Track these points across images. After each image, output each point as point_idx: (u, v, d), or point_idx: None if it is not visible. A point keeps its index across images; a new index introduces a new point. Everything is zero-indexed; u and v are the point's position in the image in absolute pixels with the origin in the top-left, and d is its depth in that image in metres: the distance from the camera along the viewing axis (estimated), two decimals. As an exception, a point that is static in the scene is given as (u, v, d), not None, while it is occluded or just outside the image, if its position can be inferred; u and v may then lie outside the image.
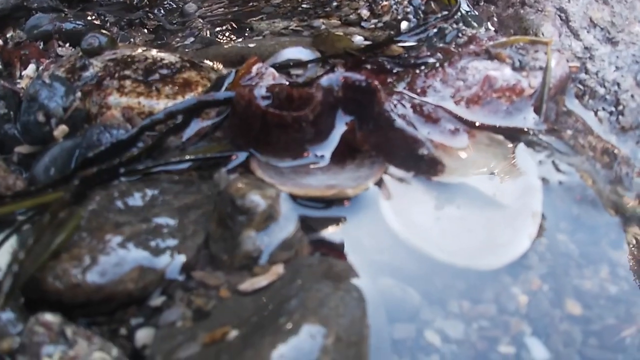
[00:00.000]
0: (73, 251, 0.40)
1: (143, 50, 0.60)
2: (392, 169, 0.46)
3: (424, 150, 0.46)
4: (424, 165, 0.46)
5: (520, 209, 0.43)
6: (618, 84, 0.58)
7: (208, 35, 0.73)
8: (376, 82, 0.48)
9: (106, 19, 0.77)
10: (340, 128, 0.47)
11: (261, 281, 0.38)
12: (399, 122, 0.46)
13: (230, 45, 0.68)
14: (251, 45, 0.67)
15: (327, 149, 0.46)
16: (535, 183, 0.45)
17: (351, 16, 0.72)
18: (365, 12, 0.71)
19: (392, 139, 0.46)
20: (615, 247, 0.44)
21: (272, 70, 0.56)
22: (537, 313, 0.39)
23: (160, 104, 0.54)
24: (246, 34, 0.72)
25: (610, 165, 0.51)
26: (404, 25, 0.66)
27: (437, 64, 0.55)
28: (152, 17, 0.77)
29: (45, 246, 0.40)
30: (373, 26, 0.69)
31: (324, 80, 0.47)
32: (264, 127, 0.45)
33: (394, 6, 0.69)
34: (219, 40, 0.72)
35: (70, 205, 0.44)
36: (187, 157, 0.48)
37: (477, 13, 0.69)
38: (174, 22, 0.78)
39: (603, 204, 0.46)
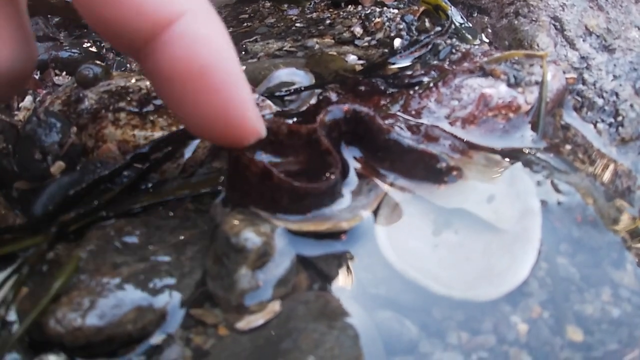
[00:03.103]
0: (72, 294, 0.41)
1: (137, 80, 0.61)
2: (391, 193, 0.46)
3: (442, 164, 0.46)
4: (444, 176, 0.46)
5: (519, 234, 0.43)
6: (616, 94, 0.58)
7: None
8: (372, 111, 0.47)
9: (102, 45, 0.78)
10: (351, 163, 0.46)
11: (258, 320, 0.38)
12: (409, 142, 0.46)
13: (224, 69, 0.69)
14: (244, 68, 0.67)
15: (347, 188, 0.45)
16: (534, 205, 0.45)
17: (344, 34, 0.71)
18: (358, 30, 0.71)
19: (408, 161, 0.46)
20: (617, 267, 0.43)
21: (269, 102, 0.56)
22: (537, 342, 0.38)
23: (155, 137, 0.54)
24: (241, 56, 0.72)
25: (611, 179, 0.51)
26: (397, 42, 0.66)
27: (431, 84, 0.55)
28: (147, 42, 0.78)
29: (45, 290, 0.41)
30: (366, 44, 0.68)
31: (328, 116, 0.45)
32: (266, 185, 0.41)
33: (387, 23, 0.69)
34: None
35: (70, 243, 0.45)
36: (170, 197, 0.47)
37: (470, 25, 0.69)
38: (169, 45, 0.79)
39: (604, 222, 0.46)
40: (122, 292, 0.40)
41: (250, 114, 0.34)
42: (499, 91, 0.53)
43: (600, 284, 0.42)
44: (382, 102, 0.55)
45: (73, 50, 0.73)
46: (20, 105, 0.65)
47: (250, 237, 0.40)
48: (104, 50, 0.77)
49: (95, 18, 0.30)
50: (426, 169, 0.46)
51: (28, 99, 0.66)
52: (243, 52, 0.72)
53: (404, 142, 0.46)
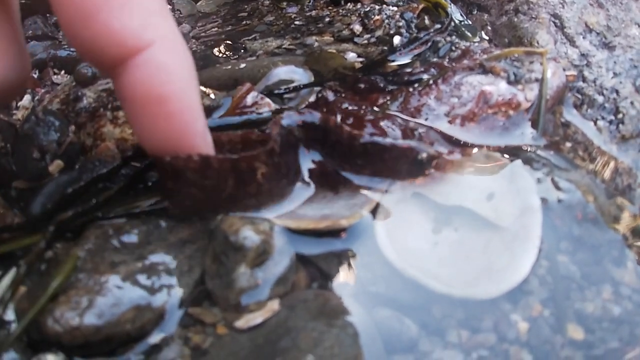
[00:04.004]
0: (70, 293, 0.40)
1: (136, 79, 0.60)
2: (392, 190, 0.45)
3: (423, 154, 0.45)
4: (426, 168, 0.46)
5: (519, 231, 0.43)
6: (617, 91, 0.57)
7: (202, 57, 0.73)
8: (333, 118, 0.46)
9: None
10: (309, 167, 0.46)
11: (256, 318, 0.38)
12: (388, 140, 0.46)
13: (223, 67, 0.68)
14: (244, 66, 0.67)
15: (304, 190, 0.45)
16: (534, 203, 0.44)
17: (344, 32, 0.71)
18: (357, 28, 0.70)
19: (389, 159, 0.46)
20: (617, 265, 0.43)
21: (268, 100, 0.55)
22: (537, 340, 0.38)
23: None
24: (240, 54, 0.72)
25: (612, 177, 0.50)
26: (396, 39, 0.66)
27: (431, 81, 0.54)
28: (145, 40, 0.77)
29: (43, 290, 0.41)
30: (366, 41, 0.68)
31: (284, 120, 0.45)
32: (208, 176, 0.40)
33: (386, 20, 0.68)
34: (213, 61, 0.72)
35: (68, 242, 0.45)
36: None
37: (470, 22, 0.68)
38: (168, 44, 0.78)
39: (605, 220, 0.45)
40: (120, 291, 0.40)
41: (199, 144, 0.35)
42: (498, 88, 0.53)
43: (601, 282, 0.42)
44: (381, 100, 0.55)
45: (71, 49, 0.73)
46: (18, 104, 0.65)
47: (249, 236, 0.40)
48: (103, 48, 0.77)
49: (73, 36, 0.32)
50: (408, 163, 0.45)
51: (26, 98, 0.65)
52: (242, 50, 0.72)
53: (381, 142, 0.45)
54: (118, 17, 0.31)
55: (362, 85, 0.57)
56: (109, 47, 0.31)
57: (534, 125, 0.52)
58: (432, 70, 0.58)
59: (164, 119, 0.33)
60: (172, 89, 0.32)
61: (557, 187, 0.47)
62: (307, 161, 0.46)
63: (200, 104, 0.36)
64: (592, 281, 0.42)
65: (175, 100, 0.33)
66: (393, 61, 0.62)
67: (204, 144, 0.36)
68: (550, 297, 0.40)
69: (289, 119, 0.45)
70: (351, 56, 0.66)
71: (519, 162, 0.49)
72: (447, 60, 0.58)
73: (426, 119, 0.51)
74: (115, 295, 0.40)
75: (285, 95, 0.60)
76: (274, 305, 0.39)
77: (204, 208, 0.43)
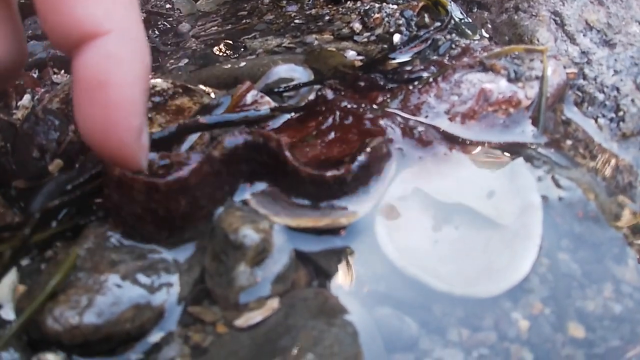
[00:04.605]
0: (70, 292, 0.40)
1: (135, 78, 0.60)
2: (392, 189, 0.45)
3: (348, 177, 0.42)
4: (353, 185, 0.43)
5: (520, 229, 0.42)
6: (617, 89, 0.57)
7: (202, 56, 0.72)
8: (280, 140, 0.42)
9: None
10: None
11: (256, 317, 0.38)
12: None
13: (223, 66, 0.68)
14: (243, 64, 0.67)
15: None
16: (534, 201, 0.44)
17: (344, 30, 0.71)
18: (357, 26, 0.70)
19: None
20: (618, 263, 0.43)
21: (267, 98, 0.55)
22: (538, 339, 0.37)
23: (154, 134, 0.54)
24: (240, 53, 0.71)
25: (612, 175, 0.50)
26: (396, 37, 0.65)
27: (431, 79, 0.54)
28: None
29: (42, 288, 0.40)
30: (366, 40, 0.68)
31: (227, 142, 0.42)
32: (155, 199, 0.39)
33: (386, 18, 0.68)
34: (213, 60, 0.71)
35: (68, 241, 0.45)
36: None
37: (470, 20, 0.68)
38: (168, 42, 0.78)
39: (605, 218, 0.45)
40: (119, 290, 0.40)
41: (130, 140, 0.35)
42: (499, 86, 0.52)
43: (601, 280, 0.42)
44: (381, 98, 0.54)
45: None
46: (18, 103, 0.65)
47: (249, 234, 0.40)
48: (103, 48, 0.77)
49: (44, 20, 0.34)
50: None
51: (26, 97, 0.65)
52: (242, 49, 0.72)
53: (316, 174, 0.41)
54: (84, 4, 0.33)
55: (362, 84, 0.57)
56: (70, 31, 0.33)
57: (535, 123, 0.51)
58: (432, 68, 0.57)
59: (101, 105, 0.33)
60: (115, 78, 0.33)
61: (558, 185, 0.47)
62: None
63: (144, 102, 0.35)
64: (593, 279, 0.42)
65: (116, 89, 0.33)
66: (393, 59, 0.61)
67: (135, 142, 0.35)
68: (551, 296, 0.40)
69: (233, 139, 0.42)
70: (351, 54, 0.66)
71: (519, 160, 0.48)
72: (447, 58, 0.58)
73: (426, 117, 0.51)
74: (115, 294, 0.39)
75: (285, 94, 0.60)
76: (274, 303, 0.39)
77: (150, 230, 0.41)
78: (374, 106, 0.54)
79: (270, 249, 0.40)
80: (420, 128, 0.49)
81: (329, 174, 0.41)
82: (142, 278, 0.40)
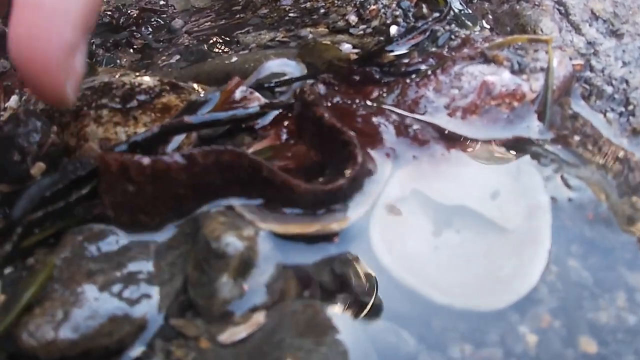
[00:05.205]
0: (45, 304, 0.36)
1: (121, 76, 0.56)
2: (388, 190, 0.40)
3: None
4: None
5: (527, 234, 0.38)
6: (626, 81, 0.52)
7: (194, 52, 0.68)
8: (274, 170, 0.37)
9: (92, 41, 0.72)
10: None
11: (241, 332, 0.33)
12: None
13: (214, 62, 0.63)
14: (235, 60, 0.62)
15: None
16: (542, 202, 0.39)
17: (339, 23, 0.66)
18: (353, 18, 0.65)
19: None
20: (632, 269, 0.38)
21: (257, 94, 0.50)
22: (547, 354, 0.33)
23: (138, 133, 0.49)
24: (232, 48, 0.66)
25: (623, 173, 0.45)
26: (393, 29, 0.60)
27: (429, 72, 0.49)
28: (138, 36, 0.72)
29: (16, 300, 0.36)
30: (362, 32, 0.63)
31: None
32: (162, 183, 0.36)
33: (382, 10, 0.63)
34: (205, 56, 0.67)
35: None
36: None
37: (470, 11, 0.62)
38: (161, 39, 0.73)
39: (618, 221, 0.40)
40: (96, 302, 0.36)
41: (57, 57, 0.31)
42: (502, 78, 0.47)
43: (614, 288, 0.37)
44: (377, 93, 0.50)
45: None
46: (6, 105, 0.60)
47: (232, 242, 0.35)
48: (94, 46, 0.72)
49: None
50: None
51: (14, 98, 0.61)
52: (235, 44, 0.67)
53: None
54: None
55: (357, 77, 0.52)
56: None
57: (540, 117, 0.46)
58: (431, 60, 0.52)
59: (31, 8, 0.30)
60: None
61: (567, 185, 0.42)
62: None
63: (83, 15, 0.31)
64: (606, 288, 0.37)
65: (46, 9, 0.29)
66: (390, 52, 0.56)
67: (64, 61, 0.31)
68: (560, 307, 0.36)
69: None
70: (346, 47, 0.61)
71: (525, 157, 0.43)
72: (446, 49, 0.53)
73: (424, 113, 0.46)
74: (92, 307, 0.35)
75: (277, 89, 0.56)
76: (260, 317, 0.34)
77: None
78: (368, 102, 0.49)
79: (255, 257, 0.35)
80: (416, 126, 0.44)
81: (327, 187, 0.37)
82: (120, 289, 0.36)
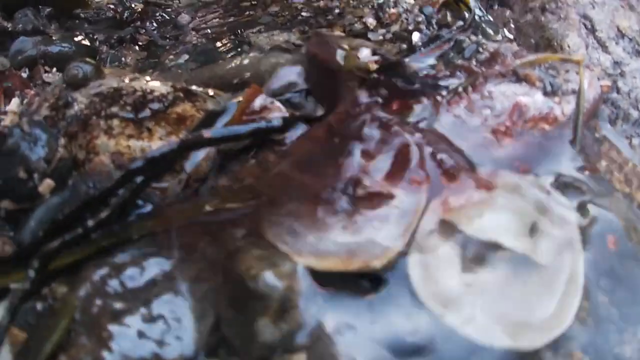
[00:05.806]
0: (71, 352, 0.33)
1: (131, 80, 0.50)
2: (422, 222, 0.38)
3: None
4: None
5: (559, 269, 0.36)
6: (651, 103, 0.50)
7: (203, 52, 0.62)
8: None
9: (95, 37, 0.66)
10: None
11: (282, 378, 0.31)
12: None
13: (227, 65, 0.58)
14: (248, 63, 0.57)
15: None
16: (574, 236, 0.38)
17: (356, 25, 0.61)
18: (371, 21, 0.61)
19: None
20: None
21: (278, 104, 0.46)
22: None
23: (153, 147, 0.45)
24: (244, 49, 0.62)
25: (649, 201, 0.44)
26: (415, 36, 0.56)
27: (460, 89, 0.46)
28: (143, 32, 0.66)
29: (39, 349, 0.33)
30: (381, 37, 0.58)
31: None
32: None
33: (404, 14, 0.59)
34: (215, 57, 0.62)
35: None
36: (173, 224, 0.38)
37: (491, 18, 0.59)
38: (167, 35, 0.67)
39: (646, 253, 0.39)
40: (125, 346, 0.33)
41: None
42: (535, 100, 0.45)
43: (638, 322, 0.36)
44: (404, 109, 0.46)
45: (64, 45, 0.61)
46: (6, 108, 0.54)
47: (271, 282, 0.33)
48: (97, 43, 0.66)
49: None
50: None
51: (14, 101, 0.55)
52: (246, 45, 0.62)
53: None
54: None
55: (382, 91, 0.49)
56: None
57: (571, 142, 0.44)
58: (459, 73, 0.49)
59: None
60: None
61: (596, 217, 0.40)
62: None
63: None
64: (630, 322, 0.36)
65: None
66: (414, 62, 0.53)
67: None
68: (590, 342, 0.35)
69: None
70: (364, 54, 0.57)
71: (555, 185, 0.42)
72: (474, 63, 0.50)
73: (457, 135, 0.43)
74: (122, 353, 0.32)
75: (294, 100, 0.52)
76: (301, 359, 0.32)
77: None
78: (399, 118, 0.46)
79: (295, 298, 0.33)
80: (451, 151, 0.41)
81: None
82: (150, 331, 0.33)
